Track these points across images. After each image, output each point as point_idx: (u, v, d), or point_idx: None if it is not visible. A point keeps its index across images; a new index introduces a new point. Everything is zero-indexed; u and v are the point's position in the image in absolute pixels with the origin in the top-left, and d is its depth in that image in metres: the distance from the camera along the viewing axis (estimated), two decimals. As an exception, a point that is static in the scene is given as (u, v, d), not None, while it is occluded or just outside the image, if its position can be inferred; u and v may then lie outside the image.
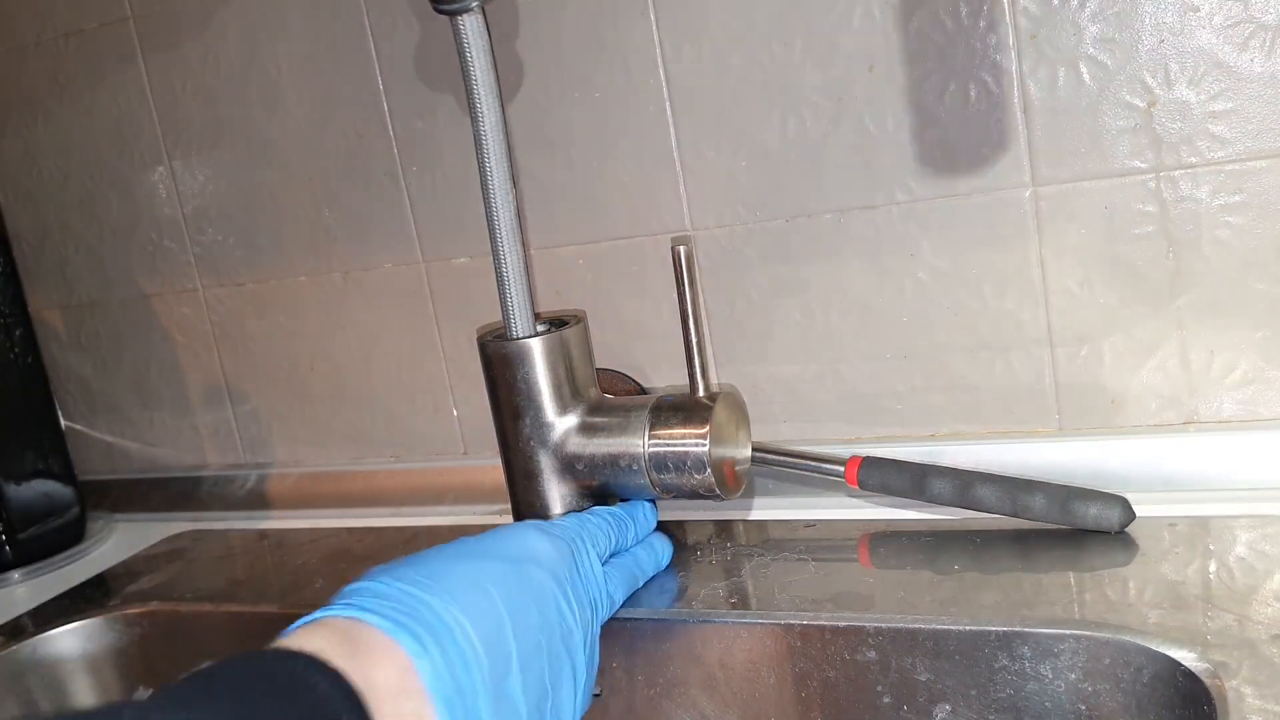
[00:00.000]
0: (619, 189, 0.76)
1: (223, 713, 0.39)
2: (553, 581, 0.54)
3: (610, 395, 0.68)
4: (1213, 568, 0.55)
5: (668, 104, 0.73)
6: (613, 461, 0.63)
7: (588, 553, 0.58)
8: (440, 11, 0.59)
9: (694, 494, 0.62)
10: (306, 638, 0.44)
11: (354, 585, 0.50)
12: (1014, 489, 0.62)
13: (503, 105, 0.61)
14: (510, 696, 0.48)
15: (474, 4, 0.59)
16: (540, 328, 0.65)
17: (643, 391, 0.77)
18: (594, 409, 0.65)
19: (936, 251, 0.69)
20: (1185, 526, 0.59)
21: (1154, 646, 0.50)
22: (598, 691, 0.62)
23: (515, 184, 0.62)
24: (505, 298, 0.63)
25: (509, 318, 0.63)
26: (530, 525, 0.58)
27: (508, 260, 0.62)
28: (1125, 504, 0.60)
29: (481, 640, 0.48)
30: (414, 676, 0.45)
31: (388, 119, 0.82)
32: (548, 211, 0.78)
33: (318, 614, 0.47)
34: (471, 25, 0.59)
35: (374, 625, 0.45)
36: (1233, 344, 0.64)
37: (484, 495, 0.83)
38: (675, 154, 0.74)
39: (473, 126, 0.61)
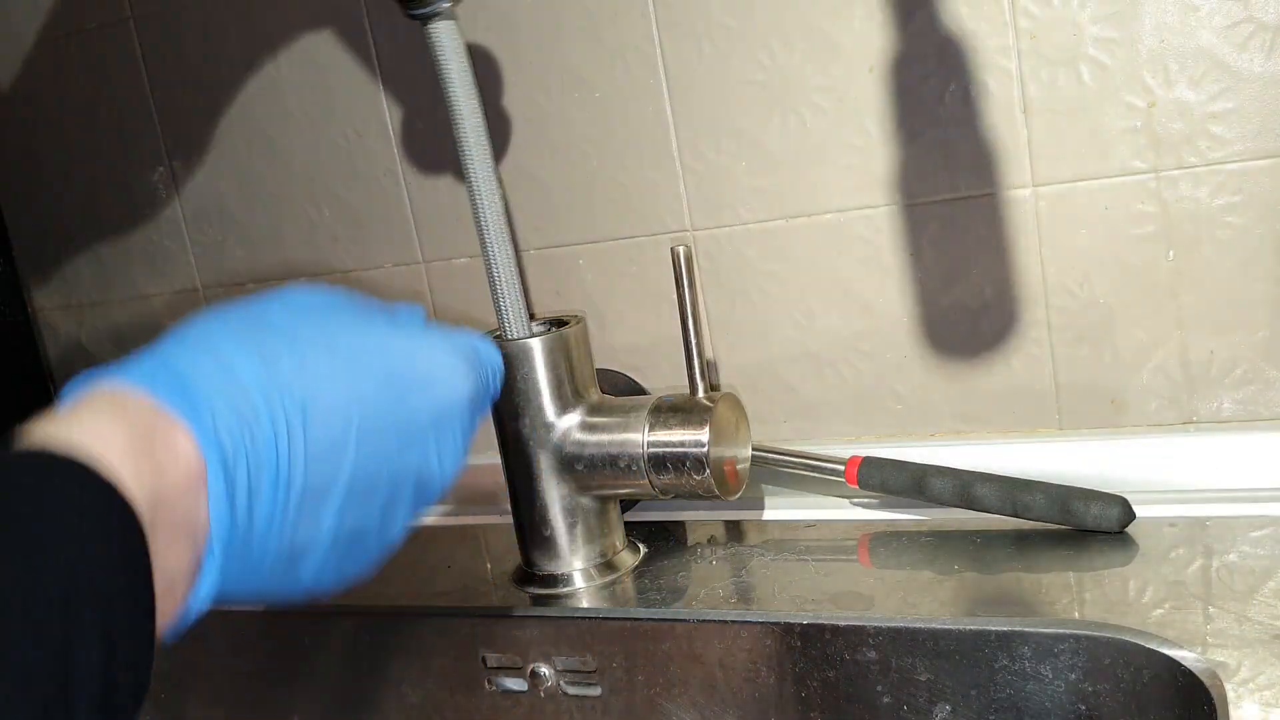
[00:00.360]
0: (619, 189, 0.76)
1: None
2: (432, 425, 0.45)
3: (610, 395, 0.68)
4: (1213, 568, 0.55)
5: (668, 104, 0.73)
6: (612, 461, 0.63)
7: (491, 396, 0.50)
8: (411, 17, 0.59)
9: (693, 494, 0.63)
10: (95, 427, 0.35)
11: (186, 345, 0.40)
12: (1014, 489, 0.62)
13: (483, 105, 0.61)
14: (307, 537, 0.41)
15: (445, 6, 0.58)
16: (540, 328, 0.65)
17: (642, 392, 0.77)
18: (594, 409, 0.65)
19: (936, 251, 0.69)
20: (1185, 526, 0.59)
21: (1154, 646, 0.50)
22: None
23: (500, 183, 0.62)
24: (498, 299, 0.63)
25: (503, 319, 0.63)
26: (453, 346, 0.47)
27: (498, 261, 0.62)
28: (1125, 504, 0.60)
29: (306, 476, 0.40)
30: (203, 508, 0.37)
31: (388, 119, 0.82)
32: (548, 211, 0.78)
33: (124, 374, 0.38)
34: (445, 30, 0.59)
35: (187, 430, 0.37)
36: (1233, 344, 0.64)
37: (484, 495, 0.83)
38: (675, 154, 0.74)
39: (454, 129, 0.61)
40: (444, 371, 0.46)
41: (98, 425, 0.35)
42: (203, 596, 0.38)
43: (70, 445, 0.34)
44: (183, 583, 0.37)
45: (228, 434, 0.37)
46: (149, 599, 0.34)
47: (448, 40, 0.59)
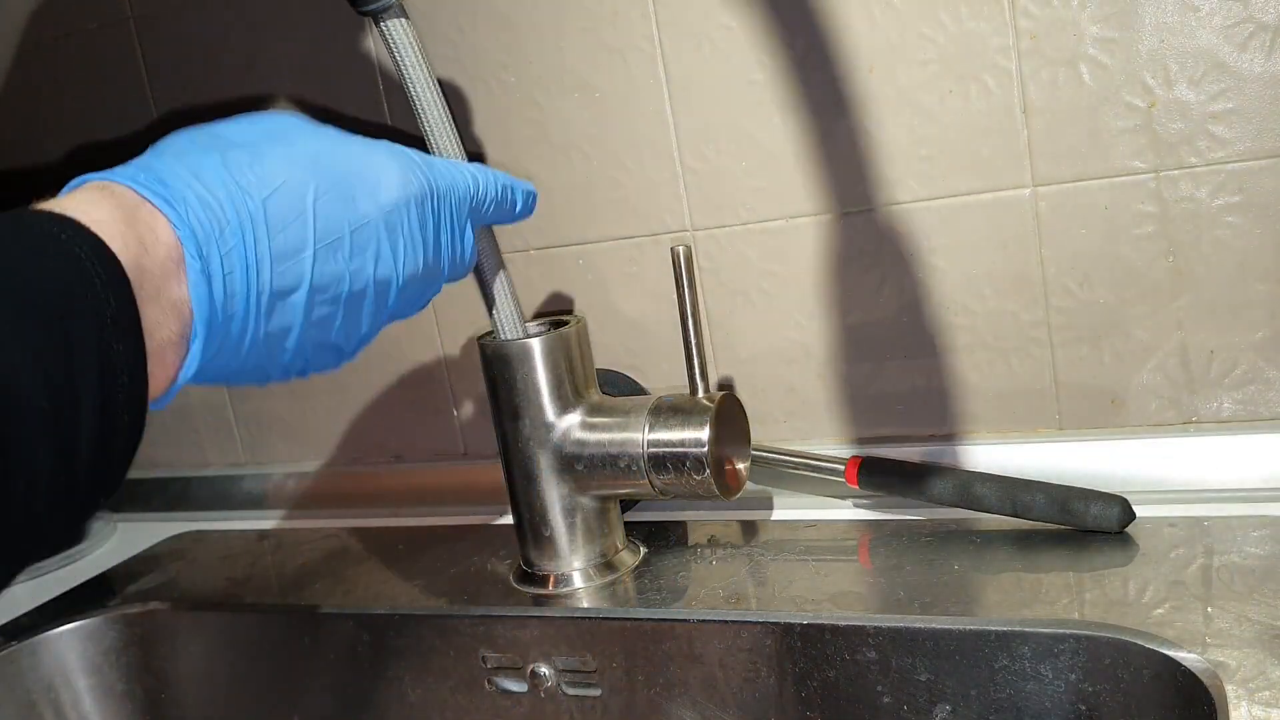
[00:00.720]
0: (619, 189, 0.76)
1: None
2: (383, 222, 0.50)
3: (610, 395, 0.68)
4: (1213, 567, 0.55)
5: (668, 104, 0.73)
6: (612, 462, 0.63)
7: (450, 207, 0.54)
8: (361, 13, 0.58)
9: (693, 495, 0.62)
10: (86, 203, 0.41)
11: (161, 155, 0.46)
12: (1014, 489, 0.62)
13: (446, 100, 0.61)
14: (281, 319, 0.47)
15: (394, 1, 0.58)
16: (540, 328, 0.65)
17: (642, 392, 0.77)
18: (594, 409, 0.65)
19: (936, 251, 0.69)
20: (1185, 526, 0.59)
21: (1154, 646, 0.50)
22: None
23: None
24: (488, 301, 0.63)
25: (496, 320, 0.63)
26: (395, 162, 0.52)
27: (482, 262, 0.62)
28: (1125, 504, 0.60)
29: (273, 265, 0.46)
30: (184, 288, 0.43)
31: (388, 119, 0.82)
32: (548, 211, 0.78)
33: (109, 175, 0.44)
34: (397, 27, 0.59)
35: (166, 218, 0.43)
36: (1232, 344, 0.64)
37: (484, 495, 0.83)
38: (675, 154, 0.74)
39: (419, 125, 0.60)
40: (388, 175, 0.51)
41: (86, 202, 0.41)
42: (190, 367, 0.44)
43: (60, 209, 0.40)
44: (173, 353, 0.43)
45: (199, 224, 0.43)
46: (135, 320, 0.39)
47: (400, 36, 0.59)
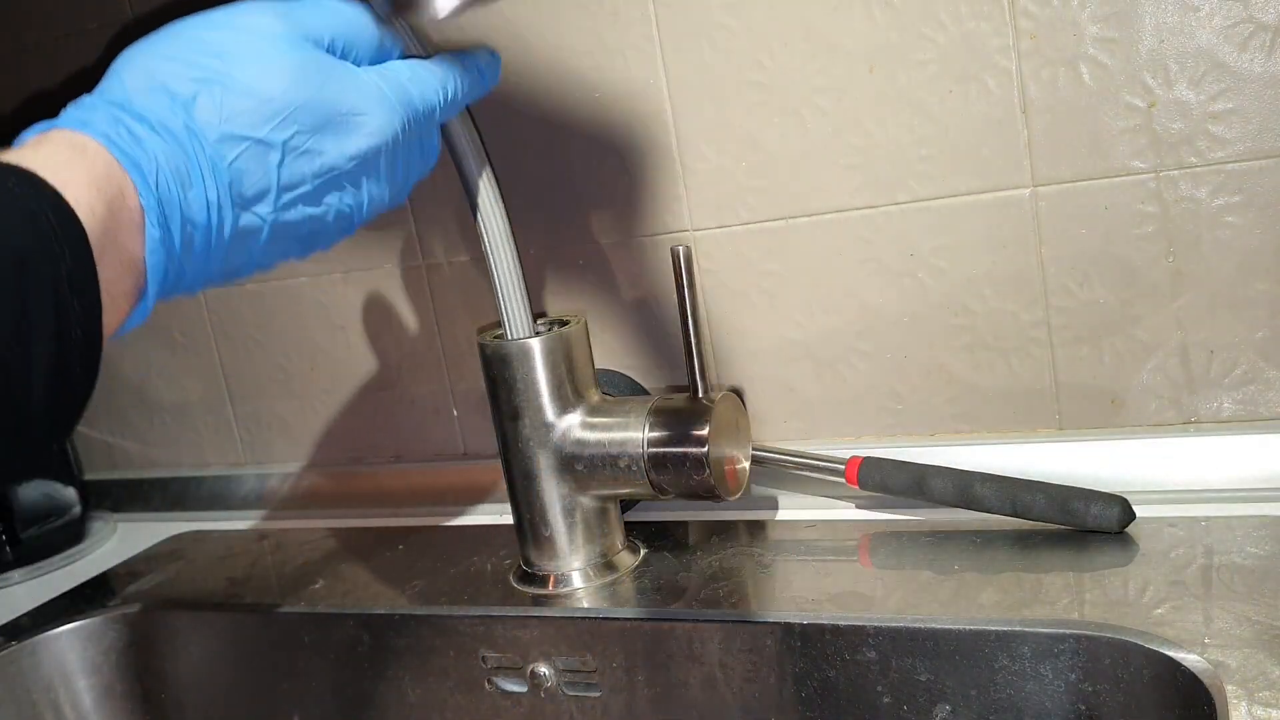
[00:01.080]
0: (619, 189, 0.76)
1: None
2: (351, 168, 0.50)
3: (610, 395, 0.68)
4: (1213, 567, 0.55)
5: (668, 104, 0.73)
6: (612, 462, 0.63)
7: (418, 129, 0.53)
8: None
9: (693, 494, 0.62)
10: (56, 163, 0.41)
11: (130, 94, 0.45)
12: (1014, 489, 0.62)
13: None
14: (239, 258, 0.48)
15: None
16: (540, 328, 0.65)
17: (643, 392, 0.77)
18: (594, 409, 0.65)
19: (936, 251, 0.69)
20: (1185, 526, 0.59)
21: (1154, 646, 0.50)
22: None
23: (498, 182, 0.61)
24: (501, 300, 0.63)
25: (505, 318, 0.63)
26: (371, 107, 0.50)
27: (499, 261, 0.62)
28: (1125, 504, 0.60)
29: (235, 210, 0.46)
30: (141, 248, 0.44)
31: (388, 119, 0.82)
32: (548, 211, 0.78)
33: (81, 125, 0.44)
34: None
35: (134, 183, 0.43)
36: (1232, 344, 0.64)
37: (484, 495, 0.83)
38: (675, 154, 0.74)
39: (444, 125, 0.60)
40: (362, 126, 0.50)
41: (56, 162, 0.41)
42: (142, 314, 0.46)
43: (33, 168, 0.40)
44: (126, 302, 0.44)
45: (165, 189, 0.44)
46: (93, 278, 0.41)
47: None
